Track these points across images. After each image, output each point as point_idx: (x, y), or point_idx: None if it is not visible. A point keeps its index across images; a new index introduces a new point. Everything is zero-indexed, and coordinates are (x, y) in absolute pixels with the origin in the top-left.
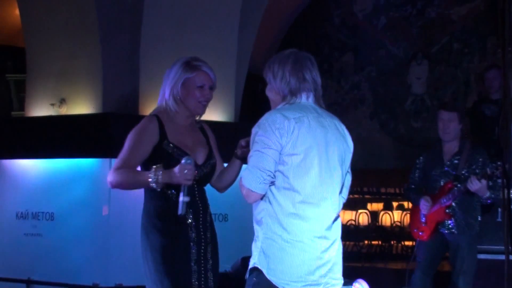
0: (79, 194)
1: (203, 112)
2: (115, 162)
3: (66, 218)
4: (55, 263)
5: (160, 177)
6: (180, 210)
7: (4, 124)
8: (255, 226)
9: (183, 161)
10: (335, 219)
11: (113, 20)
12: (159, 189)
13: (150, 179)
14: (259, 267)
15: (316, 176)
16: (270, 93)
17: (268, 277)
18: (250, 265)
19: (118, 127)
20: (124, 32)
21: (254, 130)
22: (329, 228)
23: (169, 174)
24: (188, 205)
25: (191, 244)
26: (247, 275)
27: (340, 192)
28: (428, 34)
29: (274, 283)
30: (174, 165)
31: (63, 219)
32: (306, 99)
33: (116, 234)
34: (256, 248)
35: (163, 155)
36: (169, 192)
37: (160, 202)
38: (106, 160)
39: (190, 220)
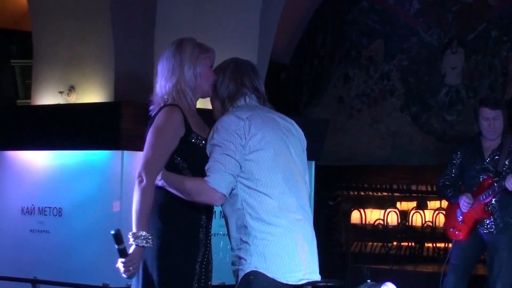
0: (89, 189)
1: (210, 93)
2: (145, 162)
3: (75, 214)
4: (63, 261)
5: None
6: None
7: (9, 113)
8: (235, 234)
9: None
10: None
11: (125, 1)
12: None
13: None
14: (259, 269)
15: (283, 167)
16: (212, 100)
17: (270, 275)
18: (243, 271)
19: (131, 116)
20: (137, 14)
21: (210, 135)
22: (310, 218)
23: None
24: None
25: (200, 245)
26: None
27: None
28: (464, 20)
29: (277, 279)
30: (200, 155)
31: (72, 215)
32: (248, 101)
33: (128, 232)
34: (245, 253)
35: (189, 148)
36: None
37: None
38: (118, 152)
39: (203, 221)
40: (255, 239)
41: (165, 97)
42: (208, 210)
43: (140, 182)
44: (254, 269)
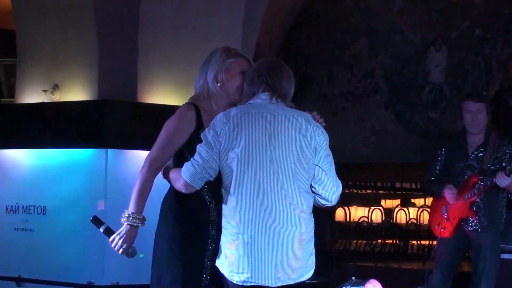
0: (73, 187)
1: (240, 98)
2: (149, 152)
3: (60, 213)
4: (47, 260)
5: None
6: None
7: None
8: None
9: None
10: (294, 211)
11: (109, 0)
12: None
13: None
14: (217, 264)
15: (253, 168)
16: None
17: (221, 271)
18: None
19: (115, 115)
20: (121, 13)
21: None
22: (284, 220)
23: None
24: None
25: (209, 241)
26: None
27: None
28: (447, 18)
29: (226, 276)
30: None
31: (56, 214)
32: (257, 98)
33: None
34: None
35: (197, 143)
36: (206, 197)
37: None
38: (102, 151)
39: (213, 217)
40: (221, 235)
41: (196, 97)
42: (219, 206)
43: (142, 168)
44: (216, 264)
